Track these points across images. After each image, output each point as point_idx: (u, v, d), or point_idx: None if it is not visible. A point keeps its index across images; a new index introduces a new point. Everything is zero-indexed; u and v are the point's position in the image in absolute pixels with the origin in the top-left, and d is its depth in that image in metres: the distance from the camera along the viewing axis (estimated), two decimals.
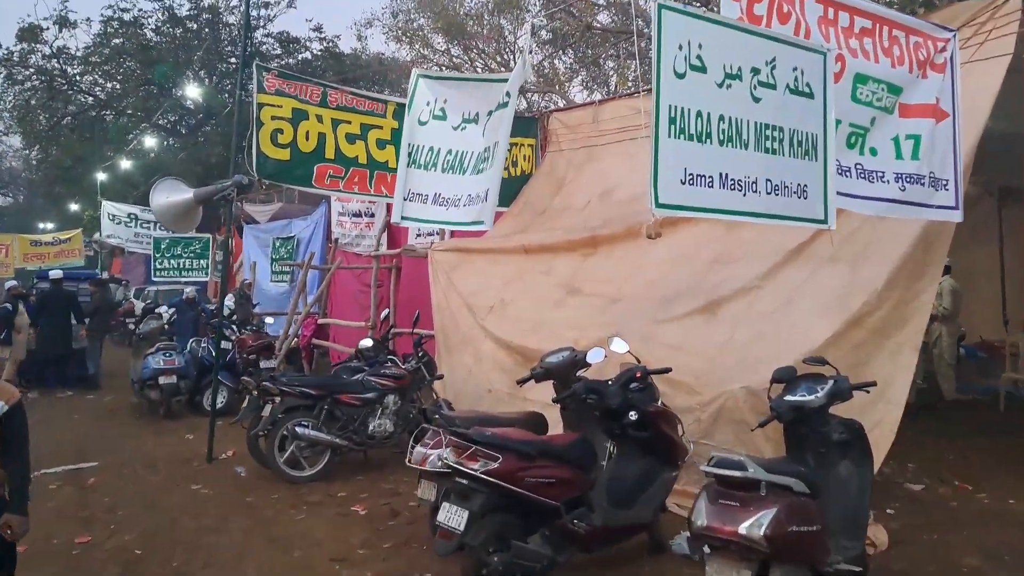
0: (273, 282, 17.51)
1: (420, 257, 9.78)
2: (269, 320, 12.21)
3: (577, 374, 4.96)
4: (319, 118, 8.12)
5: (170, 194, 7.57)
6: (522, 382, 5.28)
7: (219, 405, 9.56)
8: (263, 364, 10.21)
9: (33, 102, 27.76)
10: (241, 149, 7.76)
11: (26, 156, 33.94)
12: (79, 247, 23.51)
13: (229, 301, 12.72)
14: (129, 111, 27.39)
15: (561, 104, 21.26)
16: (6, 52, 26.47)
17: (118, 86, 27.22)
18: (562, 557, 4.05)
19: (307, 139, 8.02)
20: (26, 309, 11.44)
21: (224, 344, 10.15)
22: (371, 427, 6.92)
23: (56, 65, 27.28)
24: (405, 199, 6.59)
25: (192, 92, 26.74)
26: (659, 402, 4.62)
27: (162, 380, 9.45)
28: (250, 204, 21.00)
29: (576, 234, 8.01)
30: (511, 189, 9.73)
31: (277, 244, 17.58)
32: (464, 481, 3.88)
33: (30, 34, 26.16)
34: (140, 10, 26.78)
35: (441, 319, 8.69)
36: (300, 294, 12.87)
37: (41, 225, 37.66)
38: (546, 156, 9.96)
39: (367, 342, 7.62)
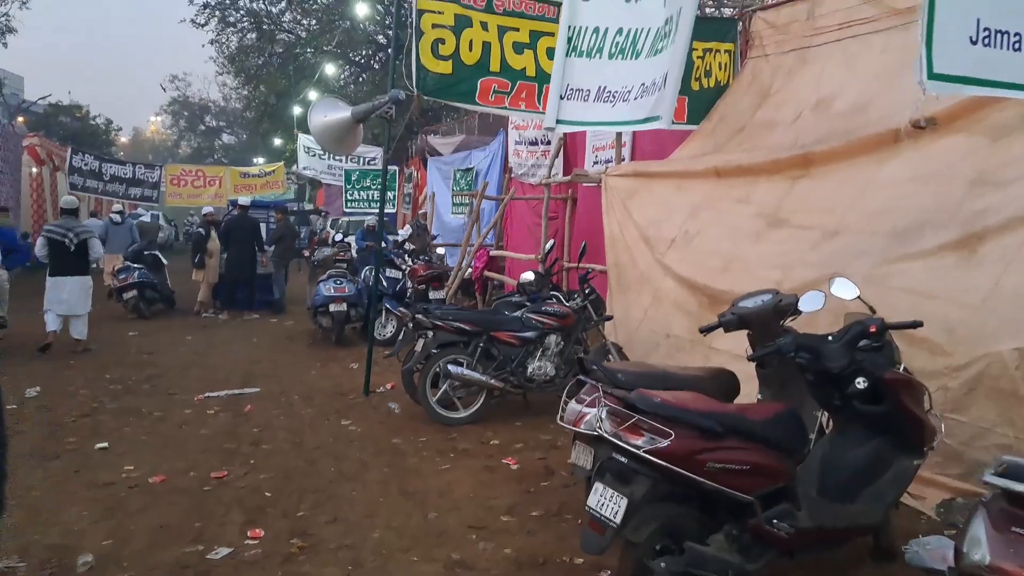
0: (454, 214, 17.30)
1: (594, 184, 8.77)
2: (440, 251, 11.82)
3: (782, 324, 3.79)
4: (484, 25, 7.27)
5: (327, 113, 7.11)
6: (707, 330, 4.18)
7: (387, 335, 9.38)
8: (432, 295, 9.82)
9: (244, 42, 29.50)
10: (400, 61, 7.11)
11: (240, 95, 36.51)
12: (282, 179, 24.86)
13: (404, 232, 12.51)
14: (326, 47, 28.29)
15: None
16: None
17: (315, 23, 28.09)
18: (755, 565, 3.03)
19: (470, 49, 7.22)
20: (217, 235, 11.90)
21: (395, 273, 9.88)
22: (530, 369, 6.17)
23: (262, 6, 28.70)
24: (562, 97, 5.57)
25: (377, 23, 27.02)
26: (900, 366, 3.38)
27: (332, 308, 9.34)
28: (434, 136, 20.95)
29: (783, 153, 6.58)
30: (702, 103, 8.41)
31: (457, 176, 17.28)
32: (623, 459, 2.95)
33: None
34: None
35: (615, 253, 7.69)
36: (474, 225, 12.37)
37: (255, 160, 40.69)
38: (747, 63, 8.45)
39: (529, 275, 6.81)
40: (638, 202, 7.61)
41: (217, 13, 28.38)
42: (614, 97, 5.26)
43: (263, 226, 13.79)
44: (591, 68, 5.38)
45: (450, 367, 5.89)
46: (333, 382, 7.65)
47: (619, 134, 8.64)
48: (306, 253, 21.51)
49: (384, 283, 9.70)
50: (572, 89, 5.50)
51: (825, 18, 7.40)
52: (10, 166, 19.43)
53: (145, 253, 12.29)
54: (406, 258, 10.72)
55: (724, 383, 4.05)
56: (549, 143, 13.16)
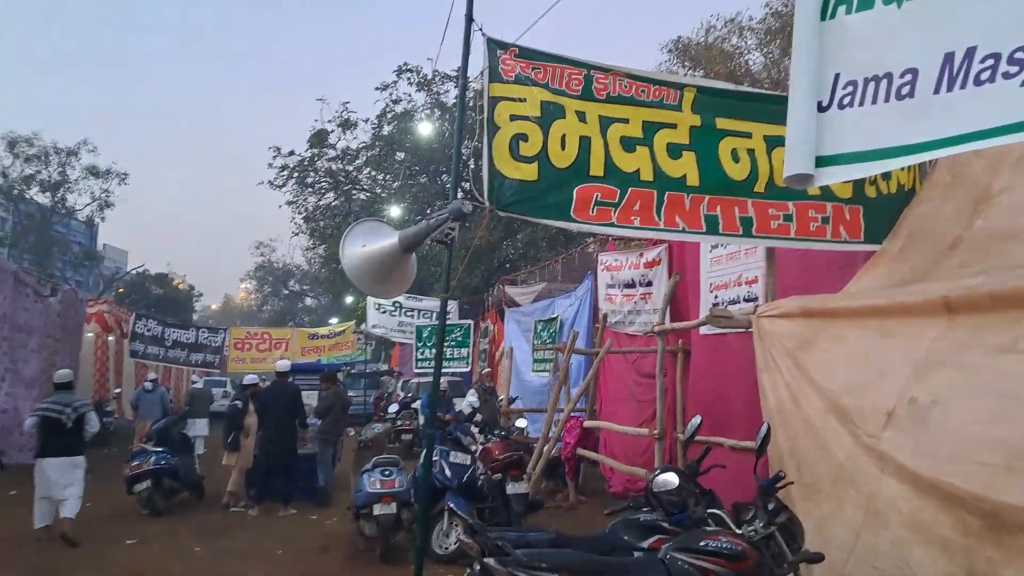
0: (535, 372, 14.99)
1: (737, 329, 6.35)
2: (521, 422, 9.40)
3: None
4: (580, 116, 5.26)
5: (366, 241, 5.07)
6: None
7: (450, 546, 6.85)
8: (511, 487, 7.28)
9: (321, 202, 29.29)
10: (467, 167, 5.09)
11: (317, 255, 36.26)
12: (351, 339, 23.39)
13: (471, 397, 10.18)
14: (403, 203, 27.72)
15: None
16: (299, 157, 28.28)
17: (391, 178, 27.68)
18: None
19: (563, 148, 5.18)
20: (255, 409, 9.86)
21: (461, 457, 7.47)
22: None
23: (340, 166, 28.62)
24: (824, 108, 3.22)
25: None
26: None
27: (378, 509, 6.90)
28: (511, 287, 19.12)
29: None
30: (883, 215, 6.07)
31: (539, 328, 15.16)
32: None
33: (318, 139, 27.73)
34: (411, 102, 27.24)
35: (787, 433, 5.12)
36: (562, 386, 9.98)
37: (332, 321, 40.02)
38: (937, 163, 6.14)
39: (669, 478, 4.22)
40: (818, 356, 5.10)
41: (296, 175, 28.39)
42: (962, 75, 2.80)
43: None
44: (884, 30, 3.04)
45: None
46: None
47: (770, 256, 6.27)
48: (374, 420, 19.56)
49: (447, 471, 7.29)
50: (847, 83, 3.12)
51: None
52: (69, 334, 18.44)
53: (172, 431, 10.34)
54: (476, 434, 8.34)
55: None
56: (650, 284, 10.91)
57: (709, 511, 3.85)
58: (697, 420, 4.76)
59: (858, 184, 5.96)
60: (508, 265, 24.22)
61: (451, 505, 6.98)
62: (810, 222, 5.81)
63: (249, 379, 10.62)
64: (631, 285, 11.43)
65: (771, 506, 3.71)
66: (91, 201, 44.24)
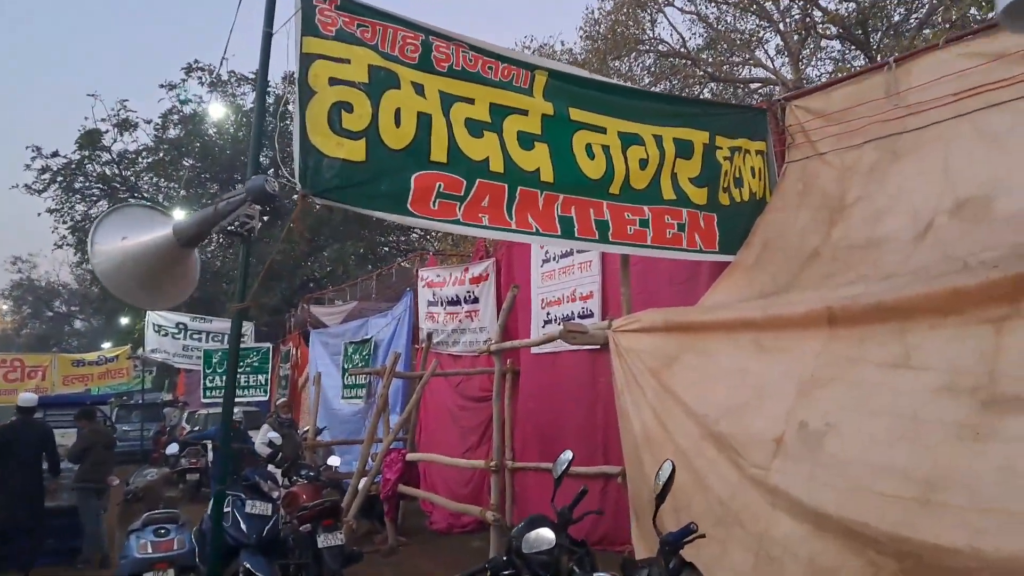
0: (345, 399, 13.65)
1: (590, 346, 5.70)
2: (333, 460, 8.15)
3: None
4: (418, 88, 4.33)
5: (128, 232, 3.75)
6: None
7: None
8: (323, 539, 6.04)
9: (92, 211, 25.69)
10: (268, 139, 3.95)
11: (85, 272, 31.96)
12: (127, 366, 20.48)
13: (270, 433, 8.73)
14: (192, 212, 25.02)
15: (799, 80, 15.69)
16: (65, 160, 24.63)
17: (177, 186, 24.90)
18: None
19: (397, 124, 4.21)
20: None
21: (259, 507, 6.14)
22: None
23: (116, 171, 25.30)
24: None
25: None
26: None
27: None
28: (317, 306, 17.58)
29: (953, 280, 3.76)
30: (738, 223, 5.70)
31: (350, 350, 13.87)
32: None
33: (89, 139, 24.32)
34: (201, 103, 24.71)
35: (656, 463, 4.44)
36: (380, 414, 8.85)
37: (105, 345, 35.40)
38: (786, 169, 5.92)
39: (544, 535, 3.20)
40: (686, 374, 4.51)
41: (60, 179, 24.66)
42: None
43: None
44: None
45: None
46: None
47: (625, 265, 5.69)
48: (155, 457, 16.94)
49: (242, 524, 5.93)
50: None
51: (926, 89, 4.97)
52: None
53: None
54: (278, 477, 7.00)
55: None
56: (476, 301, 10.15)
57: (597, 574, 3.03)
58: (569, 455, 3.92)
59: (712, 191, 5.56)
60: (312, 284, 22.48)
61: (247, 565, 5.64)
62: (666, 228, 5.29)
63: None
64: (455, 302, 10.61)
65: (672, 564, 2.96)
66: None
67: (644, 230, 5.16)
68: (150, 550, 5.46)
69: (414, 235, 26.72)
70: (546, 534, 3.05)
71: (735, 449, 3.95)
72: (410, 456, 8.64)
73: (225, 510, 5.98)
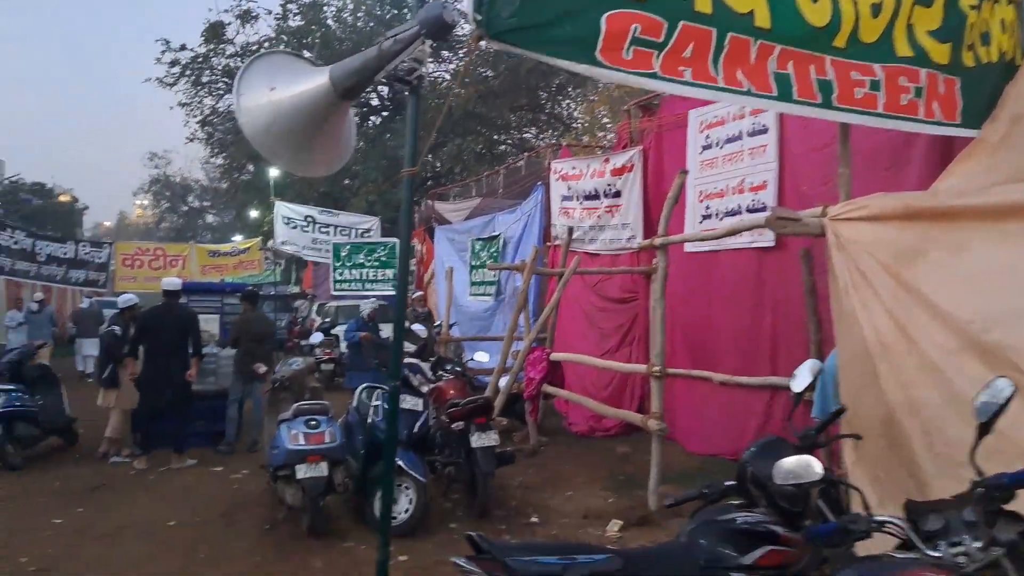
0: (473, 296, 13.36)
1: (799, 234, 4.88)
2: (482, 356, 7.78)
3: None
4: None
5: (277, 83, 3.19)
6: None
7: (402, 516, 5.31)
8: (477, 438, 5.66)
9: (219, 105, 26.14)
10: None
11: (215, 166, 33.02)
12: (258, 257, 21.04)
13: (414, 326, 8.44)
14: None
15: None
16: (192, 53, 24.91)
17: None
18: None
19: None
20: None
21: (411, 401, 5.83)
22: None
23: (240, 64, 25.42)
24: None
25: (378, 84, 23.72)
26: None
27: (302, 471, 5.20)
28: (442, 202, 17.23)
29: None
30: (979, 92, 4.59)
31: (477, 247, 13.47)
32: None
33: (213, 32, 24.40)
34: None
35: (899, 381, 3.62)
36: (520, 312, 8.39)
37: (236, 238, 36.99)
38: None
39: (809, 466, 2.47)
40: (934, 272, 3.64)
41: (189, 73, 25.05)
42: None
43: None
44: None
45: None
46: None
47: (844, 138, 4.73)
48: (290, 346, 17.47)
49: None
50: None
51: None
52: None
53: (29, 364, 8.24)
54: (425, 371, 6.67)
55: None
56: (618, 195, 9.36)
57: (876, 518, 2.37)
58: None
59: (955, 47, 4.46)
60: (430, 181, 22.14)
61: (399, 462, 5.36)
62: (900, 93, 4.28)
63: (125, 299, 8.49)
64: (594, 196, 9.84)
65: (989, 512, 2.25)
66: None
67: (874, 94, 4.19)
68: (302, 441, 5.25)
69: (527, 135, 25.81)
70: (813, 464, 2.38)
71: (1018, 366, 3.11)
72: (555, 356, 8.16)
73: (373, 403, 5.71)
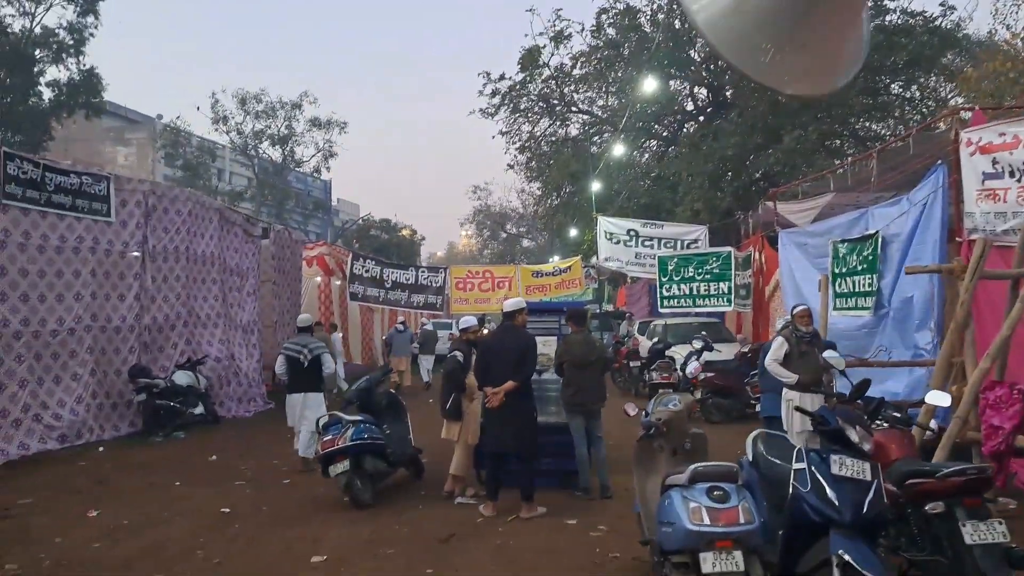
0: (838, 309, 10.97)
1: None
2: (943, 400, 5.64)
3: None
4: None
5: None
6: None
7: None
8: (970, 532, 3.66)
9: (535, 129, 26.49)
10: None
11: (532, 194, 33.85)
12: (579, 276, 20.49)
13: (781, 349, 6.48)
14: (628, 124, 24.04)
15: None
16: (511, 81, 25.55)
17: (613, 99, 24.10)
18: None
19: None
20: None
21: (854, 466, 4.03)
22: None
23: (554, 87, 25.51)
24: None
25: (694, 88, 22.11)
26: None
27: (709, 564, 3.63)
28: (782, 203, 14.94)
29: None
30: None
31: (841, 251, 11.07)
32: None
33: (530, 58, 24.70)
34: None
35: None
36: (961, 329, 6.04)
37: (553, 259, 37.74)
38: None
39: None
40: None
41: (507, 101, 25.71)
42: None
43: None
44: None
45: None
46: None
47: None
48: (615, 367, 16.47)
49: (828, 491, 3.86)
50: None
51: None
52: (287, 276, 17.36)
53: (378, 392, 7.93)
54: (863, 420, 4.78)
55: None
56: None
57: None
58: None
59: None
60: (763, 182, 19.77)
61: (843, 555, 3.59)
62: None
63: (466, 322, 7.82)
64: None
65: None
66: (316, 152, 45.45)
67: None
68: (707, 520, 3.73)
69: (870, 122, 22.09)
70: None
71: None
72: None
73: (798, 466, 4.01)
